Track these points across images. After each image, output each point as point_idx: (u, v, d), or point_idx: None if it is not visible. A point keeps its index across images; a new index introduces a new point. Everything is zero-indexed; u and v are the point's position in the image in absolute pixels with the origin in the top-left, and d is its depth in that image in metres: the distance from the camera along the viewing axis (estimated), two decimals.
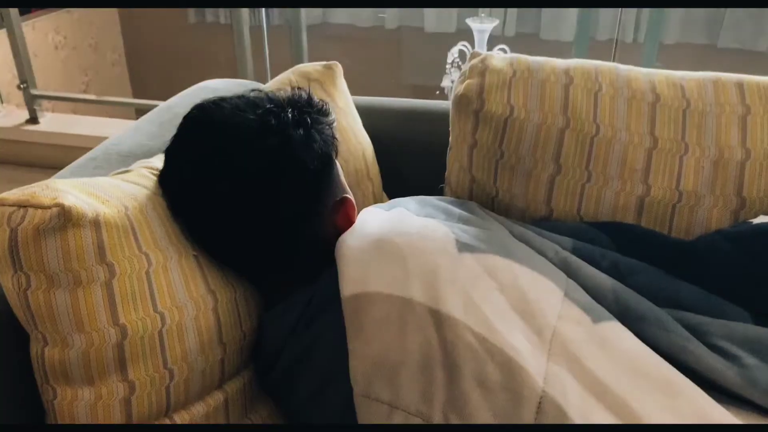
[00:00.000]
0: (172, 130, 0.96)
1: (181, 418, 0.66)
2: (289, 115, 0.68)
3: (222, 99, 0.70)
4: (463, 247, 0.66)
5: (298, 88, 0.75)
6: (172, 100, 1.08)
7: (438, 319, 0.59)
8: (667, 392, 0.59)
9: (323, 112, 0.73)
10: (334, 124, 0.74)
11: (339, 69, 0.95)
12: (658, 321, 0.67)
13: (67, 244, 0.57)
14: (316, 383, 0.64)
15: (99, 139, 2.16)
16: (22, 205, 0.57)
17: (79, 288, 0.58)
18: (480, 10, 2.03)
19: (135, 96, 3.31)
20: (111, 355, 0.60)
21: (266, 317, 0.71)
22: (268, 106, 0.68)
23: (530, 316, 0.62)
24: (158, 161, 0.75)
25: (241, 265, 0.71)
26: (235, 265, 0.71)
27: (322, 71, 0.94)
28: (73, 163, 0.88)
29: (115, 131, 2.17)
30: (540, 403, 0.56)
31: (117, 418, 0.61)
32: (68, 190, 0.60)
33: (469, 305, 0.60)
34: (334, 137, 0.73)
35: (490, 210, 0.87)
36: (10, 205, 0.57)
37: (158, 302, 0.63)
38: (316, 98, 0.73)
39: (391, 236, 0.66)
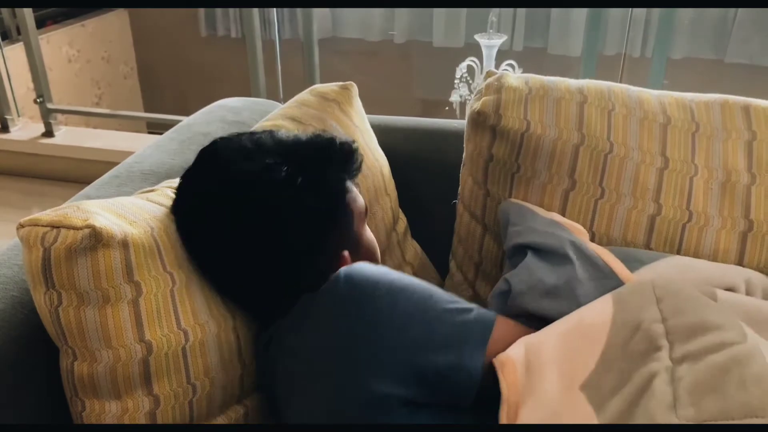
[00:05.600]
0: (192, 148, 0.99)
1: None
2: (299, 165, 0.70)
3: (239, 139, 0.72)
4: None
5: (323, 132, 0.77)
6: (192, 118, 1.11)
7: None
8: None
9: (347, 155, 0.74)
10: (357, 170, 0.77)
11: (355, 89, 0.97)
12: None
13: (97, 263, 0.60)
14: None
15: (113, 153, 2.21)
16: (55, 226, 0.59)
17: (108, 305, 0.60)
18: (488, 25, 2.06)
19: (146, 109, 3.35)
20: (137, 370, 0.62)
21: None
22: (278, 155, 0.70)
23: None
24: None
25: (240, 300, 0.73)
26: (234, 299, 0.72)
27: (338, 92, 0.96)
28: (98, 181, 0.90)
29: (128, 144, 2.21)
30: None
31: None
32: (98, 211, 0.62)
33: None
34: (344, 189, 0.74)
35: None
36: (43, 226, 0.60)
37: (182, 320, 0.65)
38: (339, 141, 0.74)
39: None
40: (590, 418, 0.56)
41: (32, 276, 0.60)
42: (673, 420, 0.53)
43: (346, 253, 0.72)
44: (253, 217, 0.67)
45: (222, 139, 0.74)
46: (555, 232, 0.81)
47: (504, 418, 0.60)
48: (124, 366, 0.61)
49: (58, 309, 0.60)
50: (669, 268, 0.78)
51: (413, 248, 1.04)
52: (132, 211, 0.66)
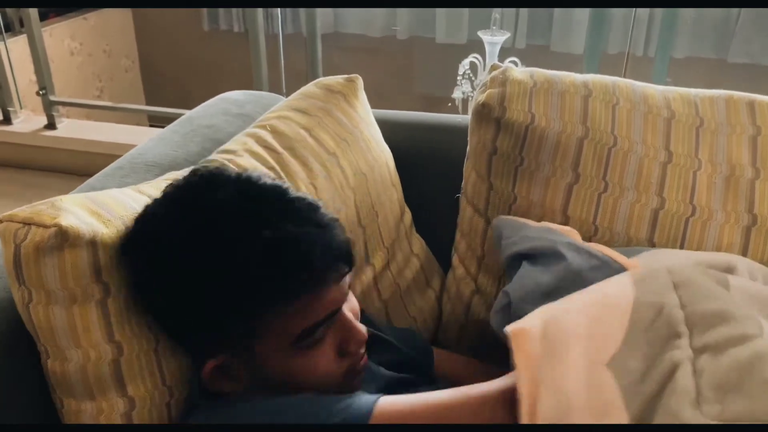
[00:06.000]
0: (195, 140, 0.99)
1: None
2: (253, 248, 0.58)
3: (215, 190, 0.60)
4: None
5: (302, 197, 0.63)
6: (195, 111, 1.11)
7: None
8: None
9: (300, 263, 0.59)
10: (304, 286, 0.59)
11: (360, 82, 0.98)
12: None
13: (64, 263, 0.59)
14: None
15: (115, 145, 2.21)
16: (27, 223, 0.59)
17: (75, 305, 0.60)
18: (491, 22, 2.06)
19: (148, 103, 3.35)
20: (108, 371, 0.61)
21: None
22: (247, 218, 0.59)
23: None
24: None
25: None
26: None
27: (344, 84, 0.96)
28: (101, 173, 0.90)
29: (130, 137, 2.21)
30: None
31: None
32: (71, 209, 0.61)
33: None
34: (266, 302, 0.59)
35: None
36: (17, 222, 0.59)
37: (150, 320, 0.64)
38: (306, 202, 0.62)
39: None
40: (616, 399, 0.54)
41: (8, 272, 0.60)
42: (698, 417, 0.52)
43: (211, 363, 0.61)
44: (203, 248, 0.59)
45: (195, 186, 0.63)
46: (547, 236, 0.80)
47: (525, 396, 0.55)
48: (94, 366, 0.61)
49: (29, 306, 0.60)
50: (662, 255, 0.77)
51: (419, 241, 1.04)
52: (110, 208, 0.64)
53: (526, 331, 0.58)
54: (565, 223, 0.88)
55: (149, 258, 0.61)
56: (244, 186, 0.61)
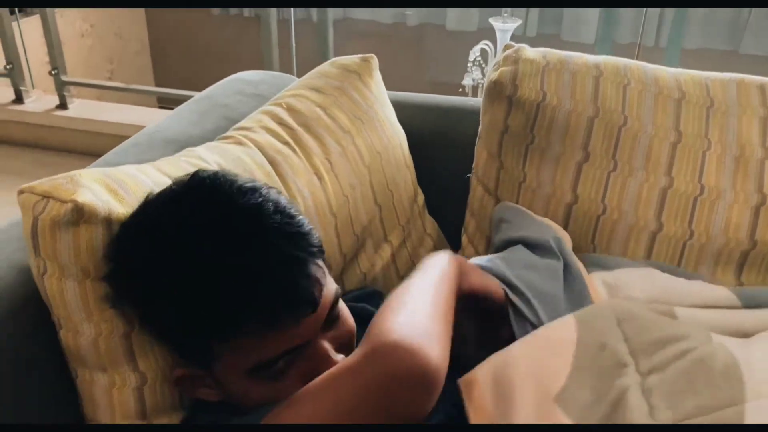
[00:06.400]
0: (211, 119, 1.01)
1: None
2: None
3: (199, 202, 0.59)
4: None
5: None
6: (210, 90, 1.12)
7: None
8: None
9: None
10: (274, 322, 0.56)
11: (375, 62, 0.98)
12: None
13: (78, 238, 0.60)
14: None
15: (126, 126, 2.23)
16: (46, 196, 0.60)
17: (88, 280, 0.61)
18: (503, 9, 2.06)
19: (158, 85, 3.37)
20: (119, 345, 0.62)
21: None
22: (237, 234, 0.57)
23: None
24: (204, 150, 0.78)
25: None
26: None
27: (360, 63, 0.97)
28: (119, 147, 0.92)
29: (141, 118, 2.23)
30: None
31: (131, 405, 0.63)
32: (89, 185, 0.62)
33: None
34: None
35: (516, 198, 0.91)
36: (37, 194, 0.61)
37: None
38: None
39: None
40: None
41: (26, 241, 0.62)
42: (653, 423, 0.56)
43: (179, 371, 0.62)
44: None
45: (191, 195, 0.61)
46: (545, 232, 0.84)
47: None
48: (106, 339, 0.62)
49: (44, 277, 0.61)
50: (634, 276, 0.81)
51: (431, 222, 1.05)
52: (126, 186, 0.65)
53: (475, 380, 0.62)
54: (575, 202, 0.89)
55: (125, 261, 0.60)
56: (225, 203, 0.58)
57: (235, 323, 0.56)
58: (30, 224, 0.60)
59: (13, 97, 2.35)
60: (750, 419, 0.55)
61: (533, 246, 0.82)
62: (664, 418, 0.56)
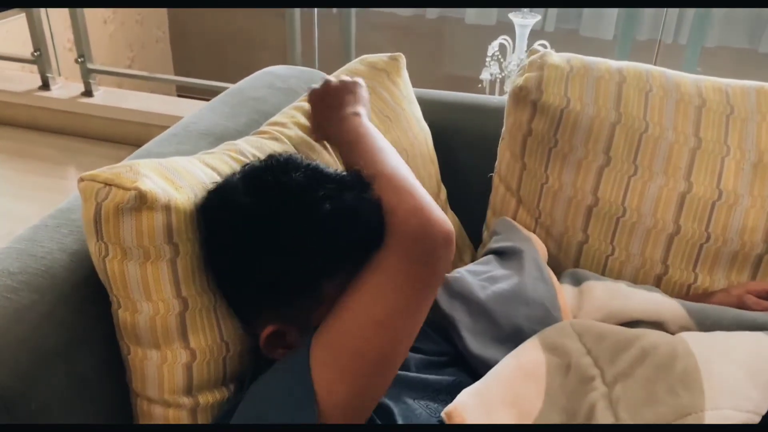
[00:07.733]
0: (243, 111, 1.04)
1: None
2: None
3: (288, 172, 0.68)
4: None
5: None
6: (242, 83, 1.15)
7: None
8: None
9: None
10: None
11: (403, 60, 1.01)
12: None
13: (141, 223, 0.64)
14: None
15: (150, 115, 2.27)
16: (108, 184, 0.64)
17: (148, 262, 0.65)
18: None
19: (176, 74, 3.40)
20: (174, 323, 0.67)
21: None
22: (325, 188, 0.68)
23: None
24: (244, 144, 0.82)
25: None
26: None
27: (388, 62, 1.00)
28: (157, 138, 0.96)
29: (164, 107, 2.27)
30: None
31: (180, 380, 0.68)
32: (148, 173, 0.67)
33: None
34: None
35: (538, 198, 0.94)
36: (99, 182, 0.65)
37: (211, 281, 0.70)
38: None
39: None
40: None
41: (87, 226, 0.66)
42: None
43: (269, 328, 0.68)
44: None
45: (267, 175, 0.70)
46: (522, 241, 0.90)
47: None
48: (162, 318, 0.66)
49: (105, 260, 0.65)
50: (602, 291, 0.84)
51: (453, 217, 1.08)
52: (181, 176, 0.70)
53: (456, 412, 0.66)
54: (595, 204, 0.92)
55: (229, 225, 0.67)
56: (311, 170, 0.69)
57: (346, 255, 0.66)
58: (92, 210, 0.64)
59: (39, 83, 2.40)
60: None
61: (505, 253, 0.89)
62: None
